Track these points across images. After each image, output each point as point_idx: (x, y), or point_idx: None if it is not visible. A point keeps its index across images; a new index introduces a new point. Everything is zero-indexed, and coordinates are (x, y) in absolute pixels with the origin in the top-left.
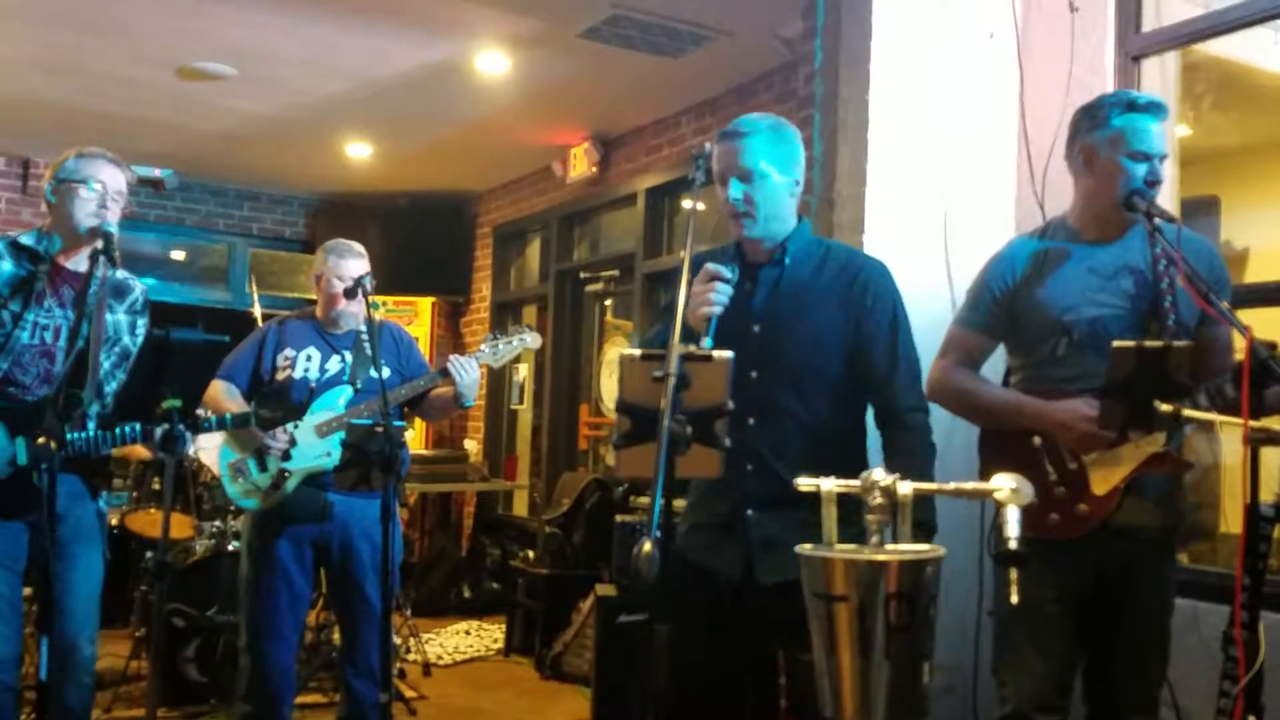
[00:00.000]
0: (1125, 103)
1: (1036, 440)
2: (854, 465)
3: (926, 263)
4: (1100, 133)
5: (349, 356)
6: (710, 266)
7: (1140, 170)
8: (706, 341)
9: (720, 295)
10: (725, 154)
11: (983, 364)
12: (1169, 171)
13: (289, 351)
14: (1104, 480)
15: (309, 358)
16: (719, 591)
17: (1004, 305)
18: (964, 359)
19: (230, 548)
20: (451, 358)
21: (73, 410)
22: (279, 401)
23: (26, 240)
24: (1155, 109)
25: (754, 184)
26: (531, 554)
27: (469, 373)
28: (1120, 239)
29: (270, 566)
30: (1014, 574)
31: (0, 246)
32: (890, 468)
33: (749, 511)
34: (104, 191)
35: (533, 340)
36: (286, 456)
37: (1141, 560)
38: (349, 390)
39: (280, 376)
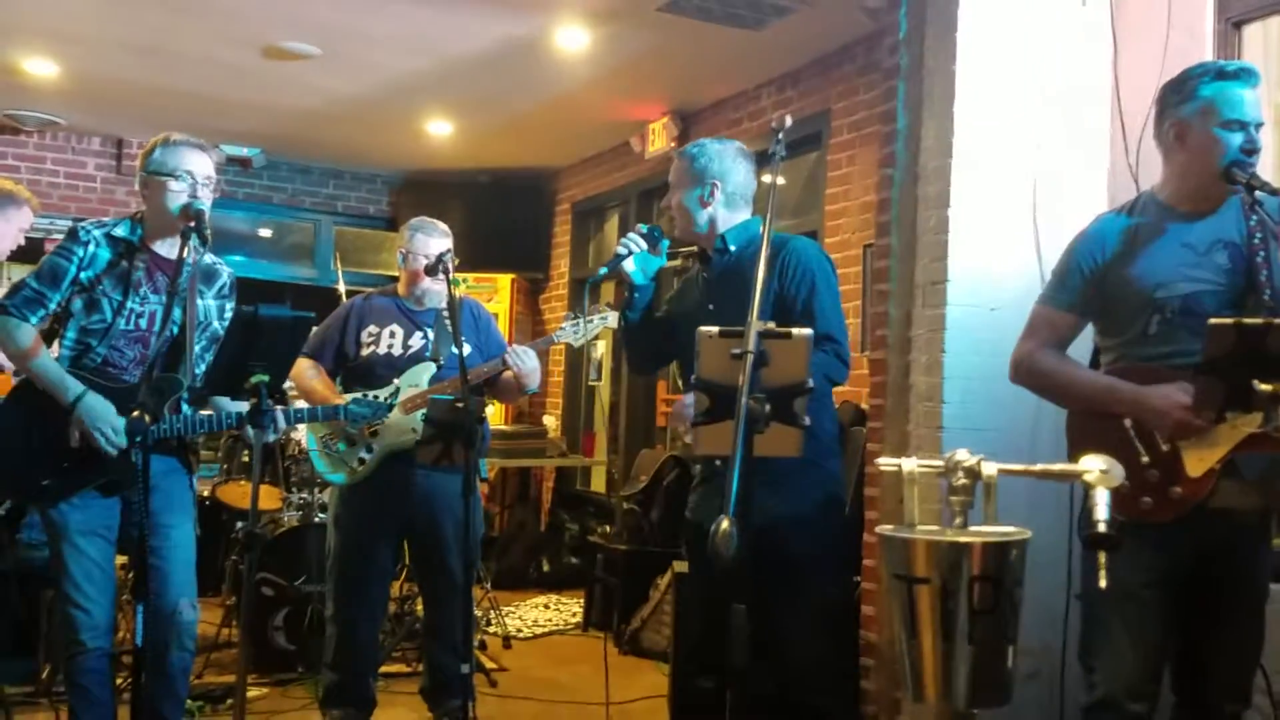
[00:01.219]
0: (1213, 71)
1: (1127, 421)
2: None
3: (1016, 238)
4: (1189, 105)
5: (431, 333)
6: (638, 226)
7: (1236, 140)
8: (601, 270)
9: (628, 243)
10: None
11: (1070, 345)
12: (1270, 140)
13: (372, 328)
14: (1199, 462)
15: (392, 334)
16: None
17: (1093, 284)
18: (1051, 340)
19: (317, 519)
20: (510, 349)
21: (170, 393)
22: (363, 377)
23: (120, 231)
24: (1246, 75)
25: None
26: (609, 529)
27: (527, 361)
28: (1214, 212)
29: (356, 539)
30: (1103, 558)
31: (98, 235)
32: None
33: (716, 461)
34: (193, 181)
35: (613, 319)
36: (373, 432)
37: (1237, 544)
38: (433, 366)
39: (364, 353)
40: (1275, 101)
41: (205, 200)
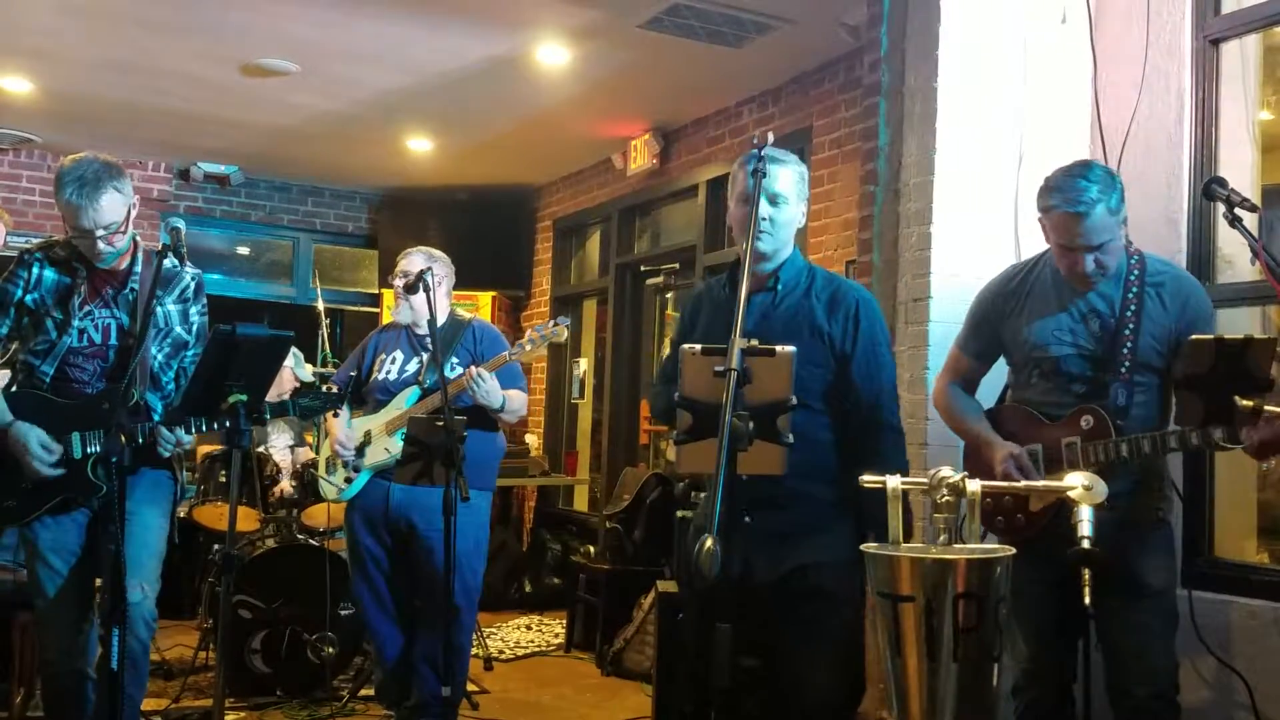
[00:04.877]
0: (1056, 187)
1: None
2: (829, 472)
3: (997, 255)
4: (1043, 216)
5: (427, 357)
6: None
7: (1070, 260)
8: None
9: None
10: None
11: (979, 381)
12: (1247, 159)
13: (382, 355)
14: (1038, 500)
15: (394, 360)
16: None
17: (991, 335)
18: (957, 379)
19: (296, 540)
20: (470, 370)
21: (127, 403)
22: (364, 403)
23: (61, 251)
24: (1077, 207)
25: (778, 206)
26: (592, 549)
27: (481, 384)
28: (1096, 285)
29: (362, 552)
30: (1086, 575)
31: (39, 256)
32: (866, 465)
33: (745, 517)
34: (91, 237)
35: (559, 332)
36: (360, 452)
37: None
38: (416, 389)
39: (370, 380)
40: (1253, 119)
41: (119, 239)
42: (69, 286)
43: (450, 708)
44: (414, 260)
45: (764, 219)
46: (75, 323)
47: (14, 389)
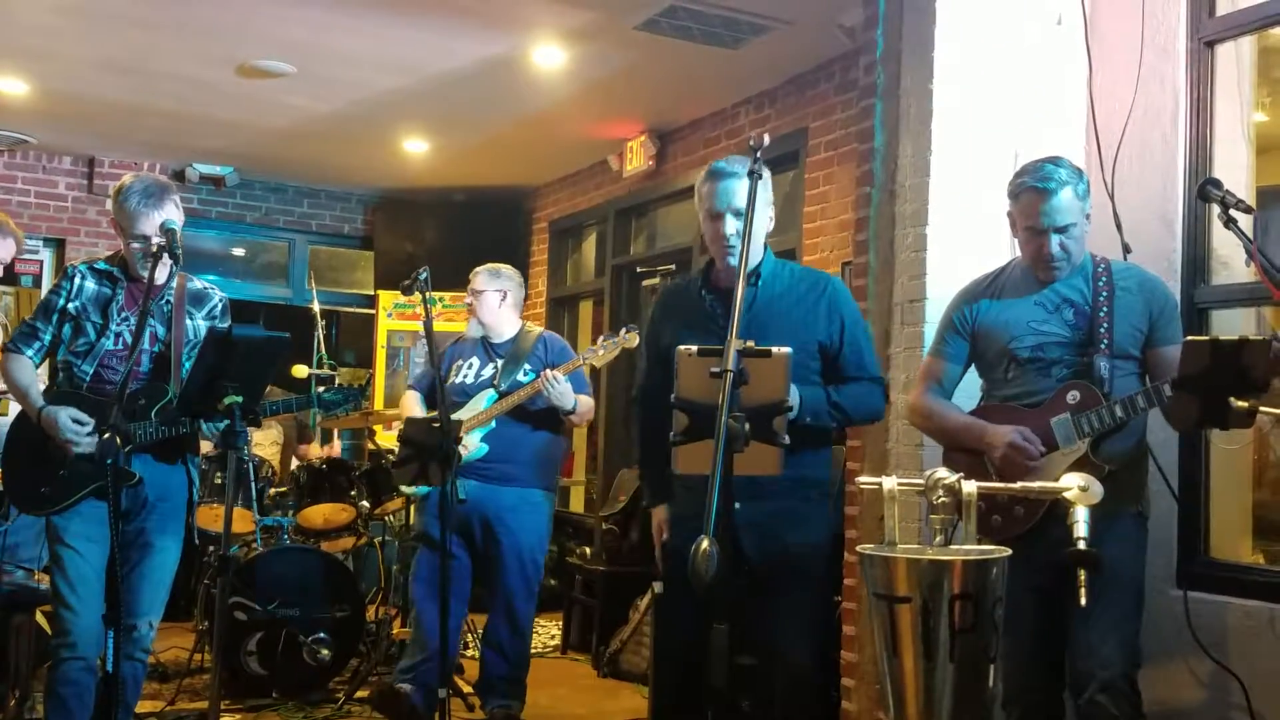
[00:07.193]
0: (1026, 171)
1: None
2: (821, 455)
3: (993, 256)
4: (1013, 202)
5: (502, 363)
6: None
7: (1035, 245)
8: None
9: None
10: (724, 192)
11: (954, 389)
12: (1244, 160)
13: (459, 362)
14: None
15: (470, 365)
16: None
17: (966, 337)
18: (934, 386)
19: (292, 542)
20: (544, 373)
21: (159, 401)
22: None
23: (101, 266)
24: (1046, 183)
25: (741, 219)
26: (588, 550)
27: (554, 386)
28: (1065, 278)
29: (430, 540)
30: (1083, 575)
31: (83, 269)
32: (842, 390)
33: (735, 504)
34: (146, 242)
35: (631, 338)
36: None
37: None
38: (492, 392)
39: (447, 384)
40: (1248, 121)
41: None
42: (109, 296)
43: (445, 707)
44: (480, 279)
45: (733, 234)
46: (113, 327)
47: (55, 389)
